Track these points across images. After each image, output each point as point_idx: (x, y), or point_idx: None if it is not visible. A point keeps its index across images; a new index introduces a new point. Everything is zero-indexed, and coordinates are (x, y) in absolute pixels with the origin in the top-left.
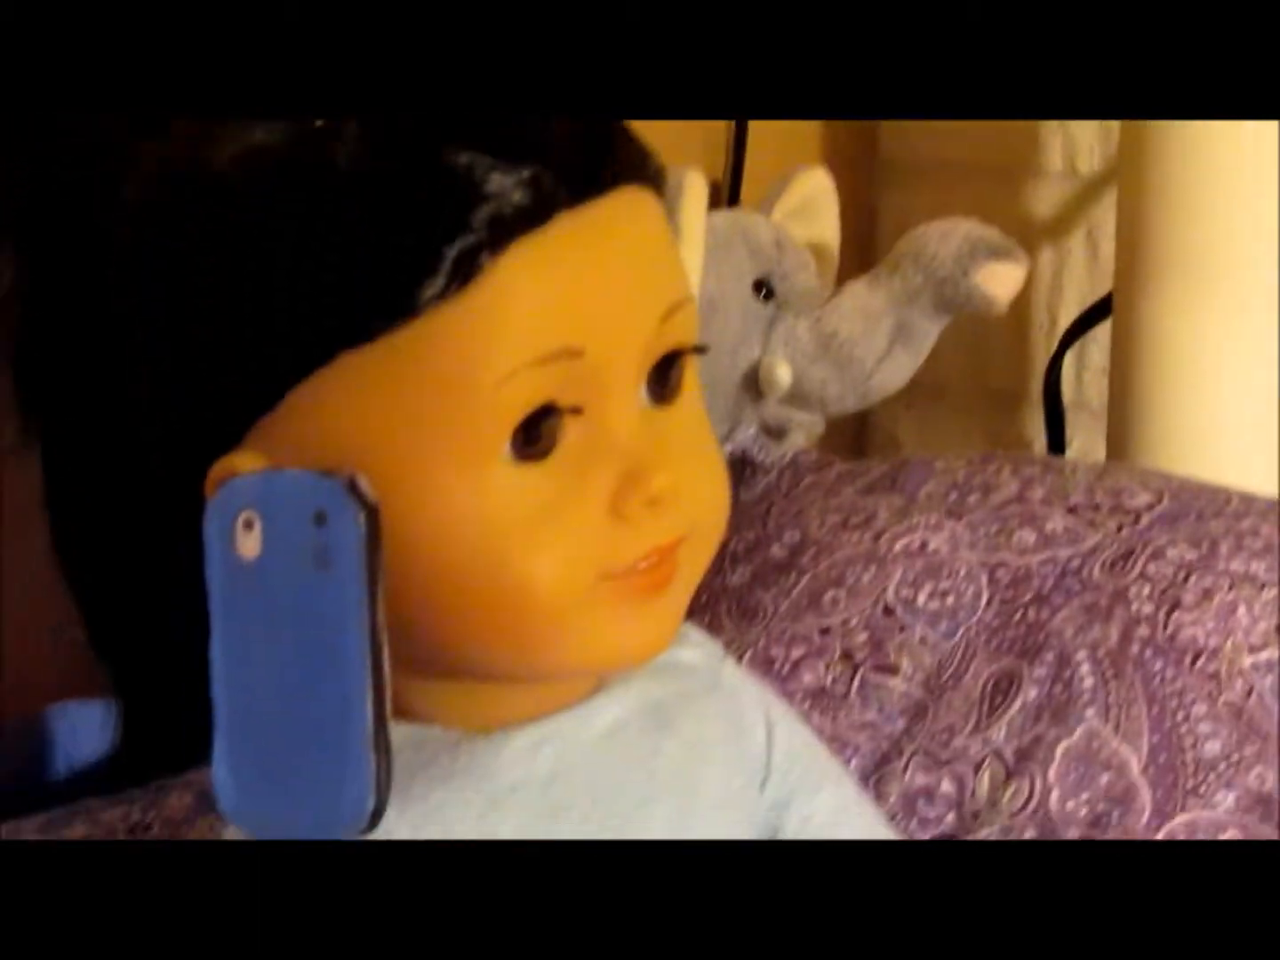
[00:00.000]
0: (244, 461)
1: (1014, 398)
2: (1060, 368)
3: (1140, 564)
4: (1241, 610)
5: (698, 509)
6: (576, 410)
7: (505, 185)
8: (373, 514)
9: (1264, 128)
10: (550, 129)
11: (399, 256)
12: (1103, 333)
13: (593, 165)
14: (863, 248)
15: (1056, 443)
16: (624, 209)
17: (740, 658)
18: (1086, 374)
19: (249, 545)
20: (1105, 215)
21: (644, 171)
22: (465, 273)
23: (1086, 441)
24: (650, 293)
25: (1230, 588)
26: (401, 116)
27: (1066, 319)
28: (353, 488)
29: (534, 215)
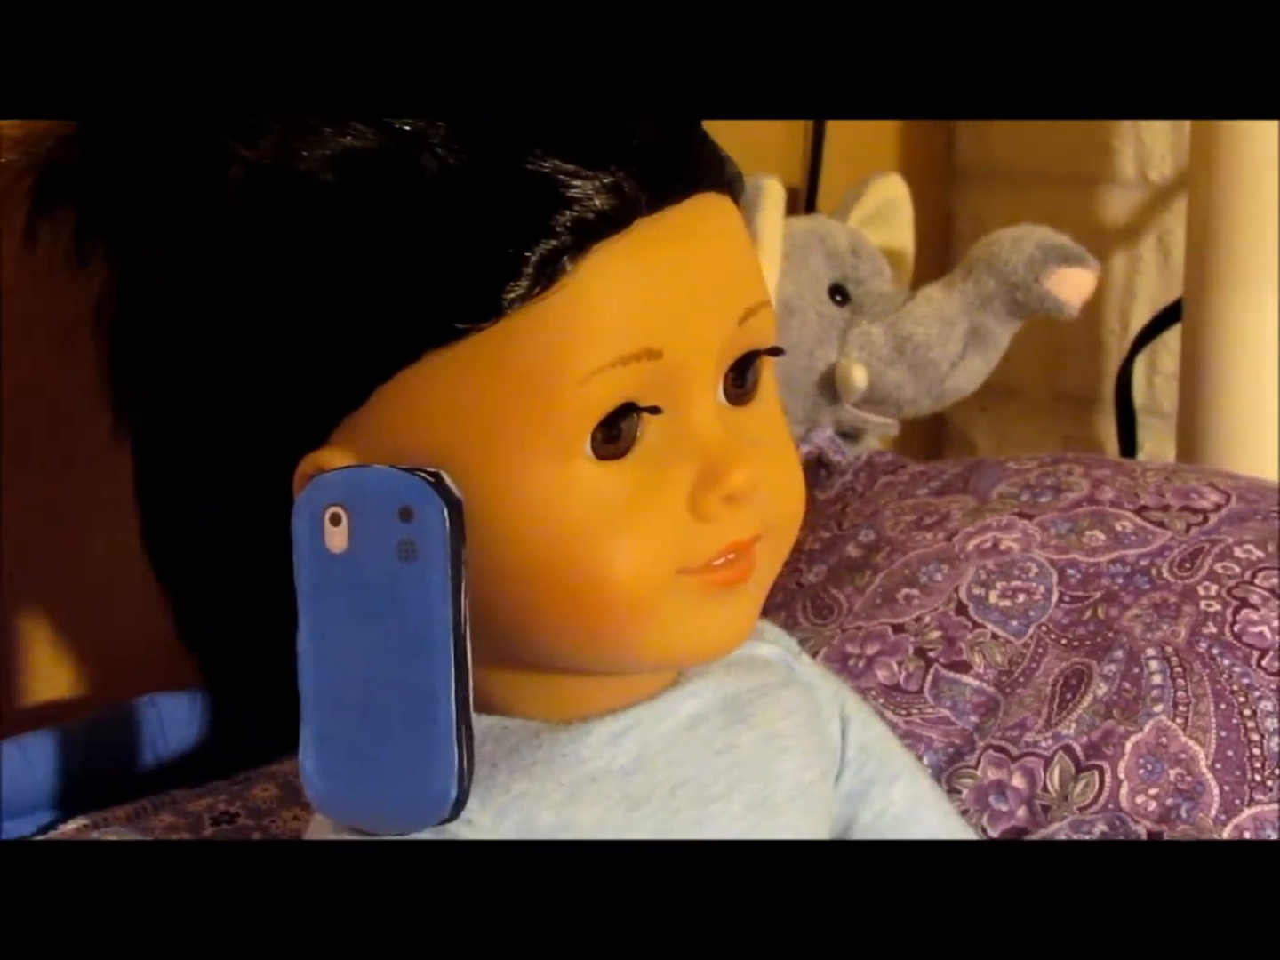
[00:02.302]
0: (331, 458)
1: (1087, 401)
2: (1131, 372)
3: (1208, 563)
4: None
5: (775, 506)
6: (655, 410)
7: (588, 191)
8: (457, 509)
9: None
10: (632, 135)
11: (484, 260)
12: (1174, 338)
13: (673, 171)
14: (939, 251)
15: (1128, 446)
16: (703, 214)
17: (815, 654)
18: (1158, 379)
19: (336, 539)
20: (1176, 222)
21: (722, 177)
22: (548, 276)
23: (1157, 446)
24: (728, 296)
25: None
26: (487, 121)
27: (1138, 324)
28: (438, 484)
29: (615, 220)
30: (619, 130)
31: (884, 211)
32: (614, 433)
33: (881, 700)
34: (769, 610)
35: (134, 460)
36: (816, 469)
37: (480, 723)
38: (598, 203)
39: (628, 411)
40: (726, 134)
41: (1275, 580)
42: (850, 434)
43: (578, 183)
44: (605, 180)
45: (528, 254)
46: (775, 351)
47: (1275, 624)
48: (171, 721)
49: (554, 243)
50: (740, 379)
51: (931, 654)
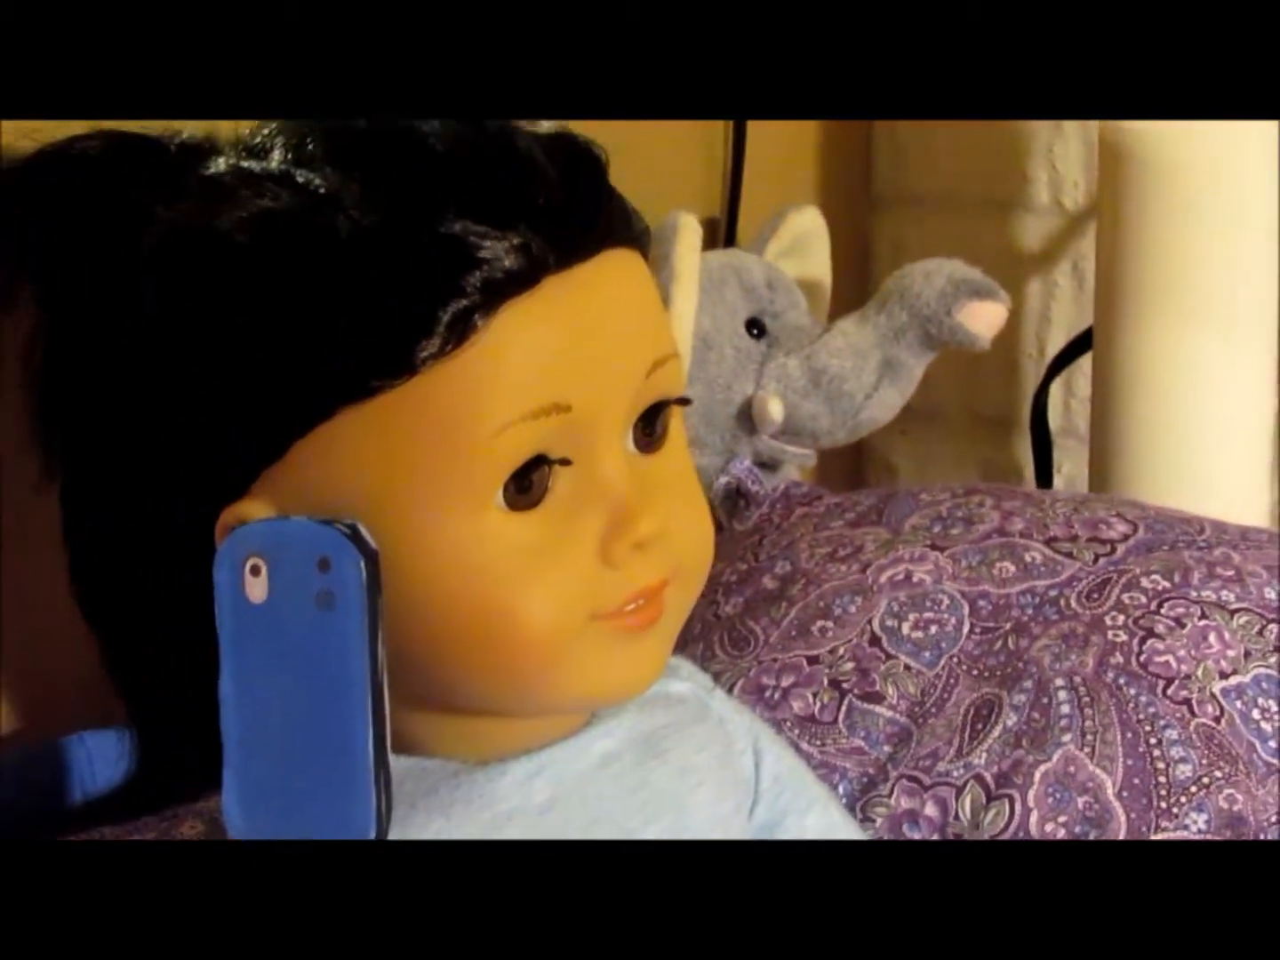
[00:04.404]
0: (252, 509)
1: (1006, 425)
2: (1046, 397)
3: (1115, 593)
4: (1212, 637)
5: (683, 551)
6: (566, 461)
7: (497, 251)
8: (373, 560)
9: (1238, 162)
10: (539, 195)
11: (397, 319)
12: (1089, 363)
13: (580, 230)
14: (859, 278)
15: (1043, 470)
16: (610, 270)
17: (732, 686)
18: (1074, 402)
19: (256, 589)
20: (1091, 248)
21: (629, 233)
22: (459, 334)
23: (1075, 468)
24: (636, 349)
25: (1202, 615)
26: (400, 183)
27: (1054, 349)
28: (354, 535)
29: (524, 279)
30: (527, 190)
31: (800, 243)
32: (525, 484)
33: (796, 731)
34: (687, 642)
35: (62, 503)
36: (735, 499)
37: (400, 763)
38: (507, 262)
39: (539, 463)
40: (647, 165)
41: (1181, 610)
42: (769, 464)
43: (488, 243)
44: (514, 240)
45: (440, 313)
46: (683, 401)
47: (1180, 653)
48: (100, 759)
49: (465, 302)
50: (649, 428)
51: (845, 685)
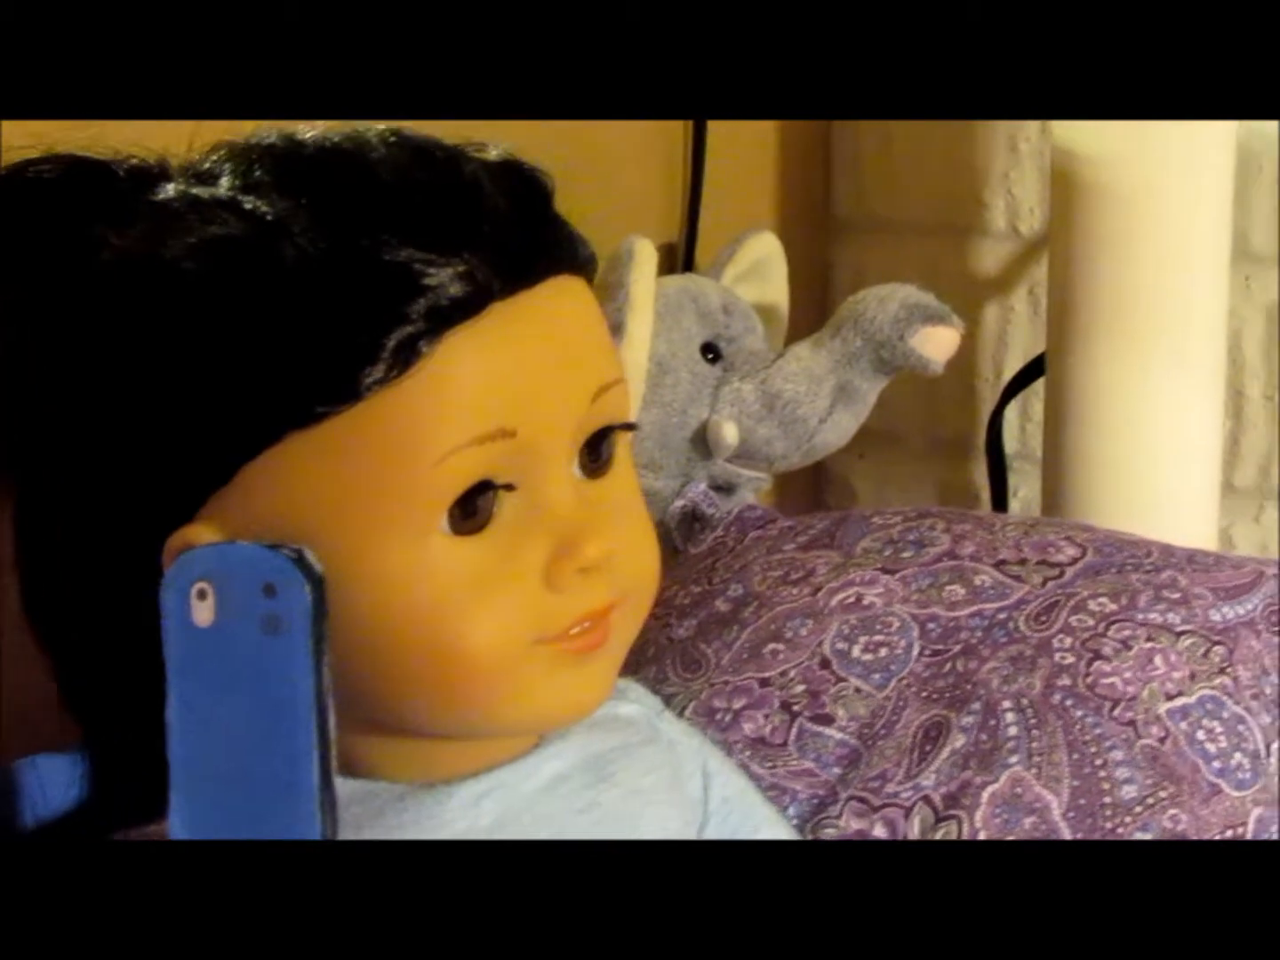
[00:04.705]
0: (199, 534)
1: (963, 447)
2: (1001, 421)
3: (1063, 616)
4: (1158, 659)
5: (630, 574)
6: (510, 487)
7: (442, 278)
8: (319, 585)
9: (1188, 190)
10: (484, 222)
11: (342, 345)
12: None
13: (525, 258)
14: (818, 304)
15: (999, 493)
16: (555, 296)
17: (684, 709)
18: (1030, 425)
19: (203, 613)
20: (1045, 273)
21: (574, 260)
22: (404, 360)
23: (1031, 491)
24: (581, 375)
25: (1148, 638)
26: (346, 211)
27: (1010, 373)
28: (300, 561)
29: (469, 306)
30: (473, 218)
31: (757, 268)
32: (470, 509)
33: (748, 753)
34: (641, 664)
35: (14, 524)
36: (690, 523)
37: (347, 786)
38: (452, 290)
39: (484, 489)
40: (606, 189)
41: (1127, 632)
42: (724, 488)
43: (432, 271)
44: (459, 268)
45: (384, 340)
46: (629, 426)
47: (1126, 675)
48: (51, 783)
49: (409, 329)
50: (595, 453)
51: (796, 707)
